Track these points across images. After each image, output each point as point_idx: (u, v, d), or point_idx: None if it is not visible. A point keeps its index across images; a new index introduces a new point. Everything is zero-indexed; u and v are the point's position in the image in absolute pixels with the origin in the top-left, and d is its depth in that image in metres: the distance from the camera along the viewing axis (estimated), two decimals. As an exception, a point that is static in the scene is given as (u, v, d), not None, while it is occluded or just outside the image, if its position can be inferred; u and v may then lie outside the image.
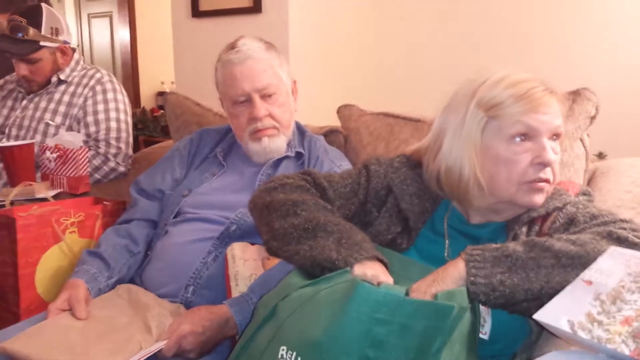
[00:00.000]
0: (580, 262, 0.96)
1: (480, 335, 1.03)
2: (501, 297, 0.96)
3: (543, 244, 0.99)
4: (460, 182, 1.12)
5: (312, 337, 0.89)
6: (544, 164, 1.08)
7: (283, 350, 0.91)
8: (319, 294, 0.96)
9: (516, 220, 1.13)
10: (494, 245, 1.01)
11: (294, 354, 0.89)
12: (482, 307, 1.00)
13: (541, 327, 1.07)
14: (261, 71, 1.55)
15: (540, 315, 0.88)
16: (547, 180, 1.10)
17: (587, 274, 0.91)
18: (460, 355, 0.91)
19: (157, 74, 5.34)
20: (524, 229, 1.12)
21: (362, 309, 0.88)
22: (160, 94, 5.23)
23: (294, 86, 1.66)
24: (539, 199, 1.11)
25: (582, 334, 0.83)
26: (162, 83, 5.30)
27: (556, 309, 0.88)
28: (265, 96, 1.57)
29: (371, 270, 1.01)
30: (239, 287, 1.43)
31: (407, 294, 0.95)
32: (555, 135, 1.11)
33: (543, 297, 0.95)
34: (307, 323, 0.92)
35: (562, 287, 0.94)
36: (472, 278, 0.97)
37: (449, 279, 0.99)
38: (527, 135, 1.09)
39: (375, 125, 1.76)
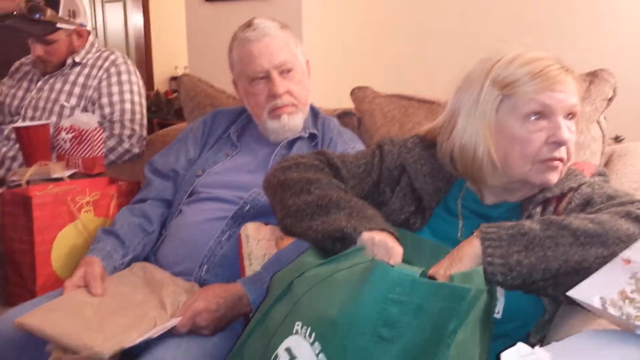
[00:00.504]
0: (600, 240, 0.95)
1: (494, 315, 1.03)
2: (518, 277, 0.96)
3: (560, 223, 0.98)
4: (474, 161, 1.12)
5: (327, 315, 0.89)
6: (559, 143, 1.08)
7: (298, 325, 0.92)
8: (336, 274, 0.96)
9: (530, 200, 1.13)
10: (509, 223, 1.00)
11: (309, 329, 0.90)
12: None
13: (556, 307, 1.07)
14: (278, 48, 1.56)
15: (574, 293, 0.88)
16: (561, 159, 1.09)
17: (626, 253, 0.90)
18: (475, 337, 0.91)
19: (171, 58, 5.34)
20: (539, 209, 1.12)
21: (377, 289, 0.88)
22: (174, 78, 5.24)
23: (307, 66, 1.66)
24: (552, 177, 1.10)
25: (612, 311, 0.83)
26: (176, 68, 5.31)
27: (591, 287, 0.88)
28: (284, 72, 1.57)
29: (379, 236, 1.02)
30: (252, 266, 1.44)
31: (423, 275, 0.95)
32: (571, 114, 1.10)
33: (560, 276, 0.95)
34: (323, 301, 0.92)
35: (581, 266, 0.94)
36: (489, 258, 0.96)
37: (466, 258, 0.99)
38: (542, 113, 1.08)
39: (389, 107, 1.75)
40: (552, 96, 1.07)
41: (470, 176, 1.17)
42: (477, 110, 1.11)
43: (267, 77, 1.57)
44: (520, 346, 0.81)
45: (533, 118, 1.08)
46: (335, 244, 1.05)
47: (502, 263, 0.96)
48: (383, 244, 1.01)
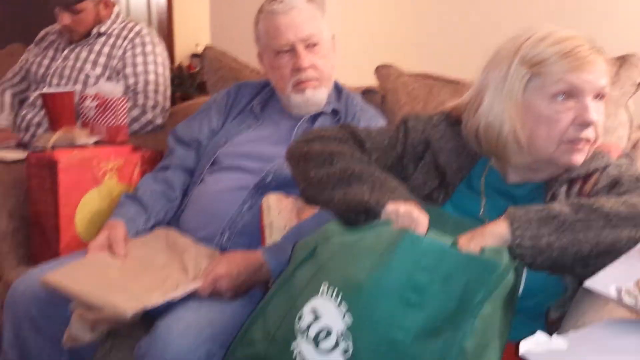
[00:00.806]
0: (633, 222, 0.95)
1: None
2: (548, 259, 0.96)
3: (591, 206, 0.98)
4: (499, 139, 1.12)
5: (354, 278, 0.90)
6: (586, 124, 1.07)
7: (325, 286, 0.93)
8: (362, 242, 0.97)
9: (555, 180, 1.13)
10: (537, 206, 1.00)
11: (336, 290, 0.91)
12: None
13: (578, 284, 1.07)
14: (305, 21, 1.56)
15: (591, 283, 0.88)
16: (587, 140, 1.09)
17: None
18: (500, 313, 0.92)
19: (192, 36, 5.33)
20: (563, 189, 1.12)
21: (406, 256, 0.89)
22: (195, 56, 5.23)
23: (332, 41, 1.66)
24: (578, 158, 1.10)
25: (627, 300, 0.83)
26: (197, 45, 5.31)
27: (608, 277, 0.88)
28: (310, 46, 1.57)
29: (404, 207, 1.02)
30: (273, 236, 1.46)
31: (454, 246, 0.95)
32: (600, 95, 1.09)
33: (590, 259, 0.96)
34: (350, 265, 0.93)
35: (613, 248, 0.94)
36: (518, 240, 0.96)
37: (490, 237, 0.98)
38: (570, 93, 1.07)
39: (414, 86, 1.75)
40: (580, 76, 1.06)
41: (494, 155, 1.16)
42: (505, 88, 1.10)
43: (292, 50, 1.57)
44: (539, 335, 0.82)
45: (561, 98, 1.07)
46: (358, 217, 1.06)
47: (531, 245, 0.95)
48: (408, 214, 1.02)
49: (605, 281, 0.88)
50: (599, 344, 0.84)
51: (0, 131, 2.18)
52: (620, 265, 0.90)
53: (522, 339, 1.04)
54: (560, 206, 0.99)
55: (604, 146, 1.19)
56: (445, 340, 0.87)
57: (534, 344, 0.81)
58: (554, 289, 1.08)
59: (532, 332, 1.07)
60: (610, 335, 0.85)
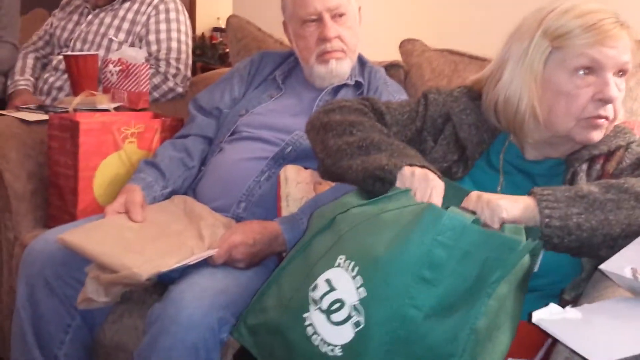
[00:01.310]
0: None
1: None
2: (576, 240, 0.93)
3: (621, 186, 0.96)
4: (517, 114, 1.10)
5: (373, 251, 0.89)
6: (605, 101, 1.05)
7: (341, 258, 0.91)
8: (383, 214, 0.95)
9: (576, 157, 1.11)
10: (564, 186, 0.98)
11: (352, 263, 0.90)
12: None
13: (595, 266, 1.05)
14: None
15: (607, 266, 0.87)
16: (606, 117, 1.06)
17: None
18: (515, 294, 0.90)
19: (214, 9, 5.32)
20: (584, 167, 1.10)
21: (427, 230, 0.87)
22: (216, 29, 5.22)
23: (359, 13, 1.63)
24: (596, 135, 1.08)
25: None
26: (218, 19, 5.29)
27: (622, 259, 0.87)
28: (336, 16, 1.55)
29: (420, 170, 1.00)
30: (289, 208, 1.45)
31: (476, 222, 0.93)
32: (622, 72, 1.07)
33: (619, 240, 0.93)
34: (369, 237, 0.92)
35: None
36: (547, 219, 0.93)
37: (517, 209, 0.96)
38: (591, 69, 1.05)
39: (439, 61, 1.72)
40: (602, 51, 1.03)
41: (512, 130, 1.15)
42: (525, 61, 1.08)
43: (319, 19, 1.55)
44: (552, 306, 0.80)
45: (581, 73, 1.05)
46: (375, 184, 1.04)
47: (560, 225, 0.93)
48: (424, 176, 1.00)
49: (619, 263, 0.86)
50: (613, 314, 0.82)
51: (20, 93, 2.19)
52: (635, 247, 0.88)
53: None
54: (588, 186, 0.97)
55: (628, 123, 1.17)
56: (458, 319, 0.85)
57: (547, 313, 0.79)
58: (569, 269, 1.06)
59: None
60: (623, 309, 0.84)
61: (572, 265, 1.06)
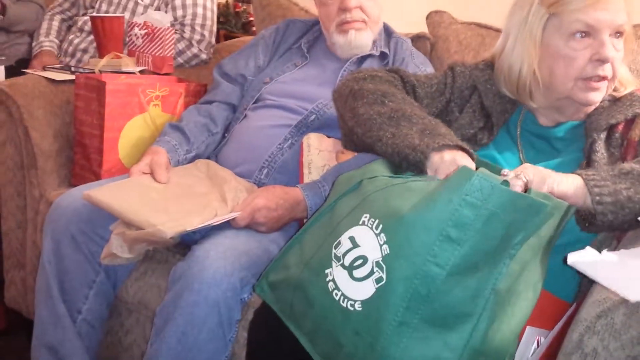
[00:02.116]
0: None
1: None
2: (630, 213, 0.95)
3: None
4: (520, 79, 1.16)
5: (398, 210, 0.89)
6: (602, 61, 1.09)
7: (366, 217, 0.92)
8: (411, 183, 0.96)
9: (594, 127, 1.13)
10: (605, 167, 1.01)
11: (376, 221, 0.90)
12: None
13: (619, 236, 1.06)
14: None
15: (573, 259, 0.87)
16: (604, 78, 1.10)
17: None
18: (534, 260, 0.91)
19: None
20: (602, 136, 1.12)
21: (455, 189, 0.87)
22: None
23: None
24: (594, 96, 1.12)
25: None
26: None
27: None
28: None
29: (450, 155, 1.01)
30: (311, 175, 1.46)
31: (505, 184, 0.93)
32: (618, 33, 1.10)
33: None
34: (396, 199, 0.92)
35: None
36: (598, 197, 0.95)
37: (567, 185, 0.98)
38: (587, 32, 1.09)
39: (466, 34, 1.71)
40: (596, 15, 1.07)
41: (518, 96, 1.19)
42: (525, 28, 1.14)
43: None
44: (589, 249, 0.81)
45: (578, 36, 1.09)
46: (402, 162, 1.05)
47: (612, 201, 0.95)
48: (451, 162, 1.01)
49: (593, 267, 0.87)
50: None
51: (43, 54, 2.20)
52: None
53: (554, 288, 1.04)
54: (629, 164, 1.00)
55: None
56: (480, 279, 0.86)
57: (582, 255, 0.80)
58: (586, 235, 1.06)
59: (566, 282, 1.07)
60: None
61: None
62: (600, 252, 1.03)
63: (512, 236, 0.86)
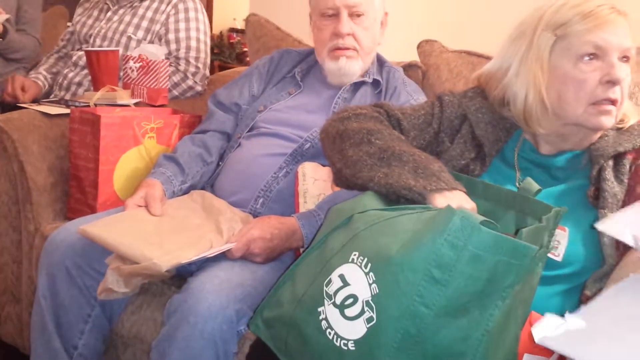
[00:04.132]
0: None
1: (553, 257, 1.02)
2: None
3: None
4: (526, 107, 1.14)
5: (386, 249, 0.89)
6: (613, 82, 1.08)
7: (355, 255, 0.92)
8: (402, 217, 0.96)
9: (600, 154, 1.11)
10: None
11: (365, 259, 0.91)
12: (558, 230, 0.99)
13: (617, 260, 1.06)
14: None
15: (604, 227, 0.87)
16: (615, 101, 1.09)
17: None
18: (525, 287, 0.90)
19: (230, 10, 5.35)
20: (610, 163, 1.11)
21: (439, 230, 0.87)
22: (232, 30, 5.26)
23: (384, 17, 1.65)
24: (606, 121, 1.10)
25: None
26: (234, 19, 5.32)
27: (621, 222, 0.87)
28: (354, 15, 1.56)
29: (455, 201, 0.99)
30: (307, 204, 1.46)
31: (489, 226, 0.91)
32: (625, 57, 1.10)
33: None
34: (385, 237, 0.92)
35: None
36: None
37: None
38: (596, 54, 1.09)
39: (457, 62, 1.73)
40: (603, 37, 1.08)
41: (523, 122, 1.17)
42: (530, 54, 1.13)
43: (336, 15, 1.57)
44: (551, 318, 0.77)
45: (587, 58, 1.09)
46: (399, 200, 1.05)
47: None
48: (457, 201, 0.99)
49: (619, 226, 0.86)
50: (615, 312, 0.80)
51: (21, 81, 2.18)
52: (634, 212, 0.89)
53: (555, 313, 1.03)
54: None
55: None
56: (471, 320, 0.85)
57: (549, 328, 0.77)
58: (591, 260, 1.06)
59: (566, 309, 1.06)
60: (624, 301, 0.81)
61: (594, 256, 1.06)
62: (601, 282, 1.03)
63: (500, 278, 0.85)
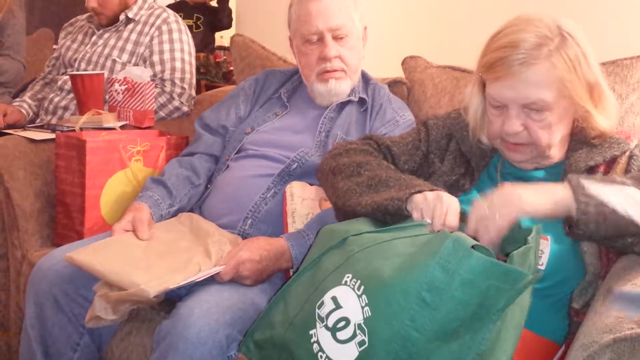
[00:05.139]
0: None
1: (538, 267, 1.03)
2: (612, 228, 0.96)
3: None
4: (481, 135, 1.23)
5: (379, 272, 0.90)
6: (507, 134, 1.12)
7: (348, 277, 0.93)
8: (396, 241, 0.97)
9: (573, 169, 1.14)
10: (598, 176, 1.03)
11: (358, 282, 0.91)
12: (541, 239, 0.99)
13: (600, 270, 1.07)
14: (337, 10, 1.55)
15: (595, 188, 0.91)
16: (517, 144, 1.14)
17: None
18: (515, 309, 0.91)
19: (217, 28, 5.36)
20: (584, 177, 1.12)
21: (432, 254, 0.88)
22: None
23: (364, 32, 1.65)
24: (516, 156, 1.17)
25: None
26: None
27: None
28: (337, 37, 1.57)
29: (432, 194, 1.04)
30: (295, 224, 1.46)
31: (482, 251, 0.92)
32: (532, 105, 1.10)
33: None
34: (378, 261, 0.93)
35: None
36: (583, 206, 0.97)
37: (549, 196, 0.99)
38: (500, 105, 1.13)
39: (441, 78, 1.74)
40: (501, 92, 1.11)
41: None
42: (474, 86, 1.21)
43: (320, 39, 1.57)
44: None
45: (495, 104, 1.13)
46: (385, 216, 1.07)
47: (596, 212, 0.96)
48: (436, 196, 1.03)
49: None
50: None
51: (4, 109, 2.17)
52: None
53: (544, 330, 1.04)
54: (620, 177, 1.02)
55: (621, 132, 1.21)
56: (462, 344, 0.86)
57: None
58: (573, 270, 1.08)
59: (556, 324, 1.07)
60: None
61: (576, 265, 1.07)
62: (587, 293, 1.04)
63: (491, 303, 0.86)
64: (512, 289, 0.86)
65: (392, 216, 1.06)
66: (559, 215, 0.99)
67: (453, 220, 1.01)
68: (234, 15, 3.30)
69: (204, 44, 2.28)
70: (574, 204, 0.97)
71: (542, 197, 0.99)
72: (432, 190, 1.06)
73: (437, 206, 1.01)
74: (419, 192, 1.05)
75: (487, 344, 0.86)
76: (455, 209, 1.01)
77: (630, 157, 1.12)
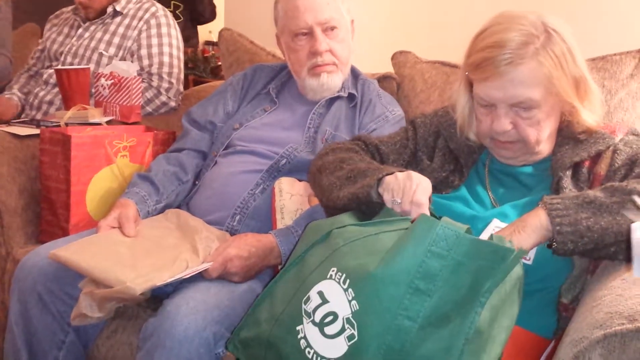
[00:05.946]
0: None
1: (525, 261, 1.03)
2: (590, 242, 0.97)
3: (624, 188, 1.00)
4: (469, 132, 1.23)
5: (365, 265, 0.90)
6: (497, 132, 1.13)
7: (333, 270, 0.92)
8: (382, 234, 0.97)
9: (559, 166, 1.15)
10: (572, 194, 1.04)
11: (343, 275, 0.90)
12: None
13: (587, 263, 1.07)
14: (325, 3, 1.54)
15: None
16: (505, 142, 1.15)
17: None
18: (508, 306, 0.91)
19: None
20: (568, 173, 1.14)
21: (421, 241, 0.88)
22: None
23: (352, 25, 1.64)
24: (505, 153, 1.18)
25: None
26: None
27: None
28: (327, 30, 1.55)
29: (402, 174, 1.05)
30: (284, 220, 1.45)
31: (468, 232, 0.94)
32: (520, 104, 1.11)
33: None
34: (365, 253, 0.93)
35: None
36: (558, 227, 0.98)
37: (529, 227, 1.01)
38: (488, 104, 1.13)
39: (431, 73, 1.73)
40: (489, 92, 1.11)
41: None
42: (461, 84, 1.21)
43: (310, 33, 1.55)
44: None
45: (483, 103, 1.13)
46: (360, 206, 1.08)
47: (572, 231, 0.98)
48: (406, 176, 1.05)
49: None
50: None
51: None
52: None
53: (533, 326, 1.04)
54: (594, 192, 1.02)
55: (607, 127, 1.20)
56: (452, 329, 0.86)
57: None
58: (560, 264, 1.08)
59: (545, 319, 1.07)
60: None
61: (562, 259, 1.07)
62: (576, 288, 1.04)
63: (480, 284, 0.87)
64: (499, 268, 0.87)
65: (366, 205, 1.07)
66: (547, 239, 1.02)
67: (422, 197, 1.02)
68: (222, 9, 3.22)
69: (184, 36, 2.20)
70: (550, 225, 1.00)
71: (528, 236, 1.01)
72: (403, 171, 1.08)
73: (406, 184, 1.03)
74: (391, 173, 1.07)
75: (476, 329, 0.86)
76: (425, 187, 1.03)
77: (614, 152, 1.13)
